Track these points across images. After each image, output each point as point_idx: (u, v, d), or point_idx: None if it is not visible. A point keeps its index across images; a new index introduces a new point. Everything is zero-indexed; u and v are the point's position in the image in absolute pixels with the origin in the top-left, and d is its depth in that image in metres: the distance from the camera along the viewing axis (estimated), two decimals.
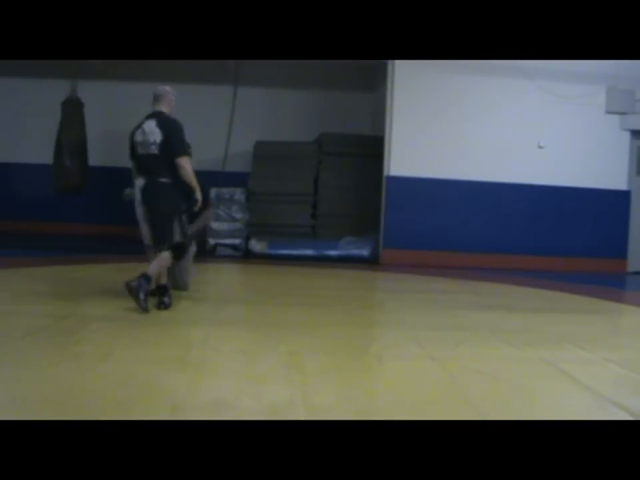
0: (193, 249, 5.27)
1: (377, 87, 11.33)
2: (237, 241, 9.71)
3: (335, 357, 3.54)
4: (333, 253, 9.50)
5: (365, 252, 9.54)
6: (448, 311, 5.32)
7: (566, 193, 9.46)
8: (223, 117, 11.74)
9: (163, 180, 4.70)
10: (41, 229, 11.38)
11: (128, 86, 11.75)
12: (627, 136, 9.61)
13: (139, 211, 4.83)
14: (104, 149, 11.71)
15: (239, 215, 9.78)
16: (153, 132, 4.69)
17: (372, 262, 9.35)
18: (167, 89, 4.94)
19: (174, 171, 4.69)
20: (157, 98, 4.87)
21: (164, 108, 4.86)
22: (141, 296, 4.35)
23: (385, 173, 9.43)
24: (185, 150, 4.74)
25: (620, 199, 9.62)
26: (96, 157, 11.09)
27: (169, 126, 4.73)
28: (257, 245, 9.57)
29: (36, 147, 11.46)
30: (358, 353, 3.68)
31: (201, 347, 3.63)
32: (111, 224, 11.87)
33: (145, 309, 4.34)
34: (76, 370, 2.98)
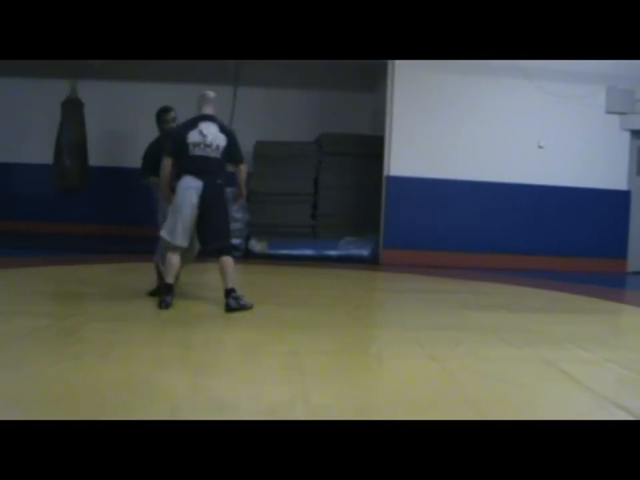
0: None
1: (377, 87, 11.32)
2: (236, 241, 9.69)
3: (335, 356, 3.54)
4: (332, 253, 9.49)
5: (365, 252, 9.53)
6: (448, 311, 5.32)
7: (566, 193, 9.45)
8: (223, 117, 11.70)
9: (219, 182, 4.83)
10: (41, 229, 11.38)
11: (128, 86, 11.76)
12: (627, 136, 9.60)
13: (188, 210, 4.70)
14: (104, 149, 11.71)
15: (239, 215, 9.78)
16: (216, 136, 4.80)
17: (372, 262, 9.35)
18: (214, 94, 5.04)
19: (224, 175, 4.90)
20: (208, 101, 4.95)
21: (214, 112, 4.96)
22: (242, 302, 4.70)
23: (385, 173, 9.43)
24: (243, 156, 5.03)
25: (620, 199, 9.61)
26: (96, 157, 11.09)
27: (231, 132, 4.97)
28: (257, 245, 9.56)
29: (36, 147, 11.46)
30: (358, 353, 3.68)
31: (201, 347, 3.63)
32: (111, 224, 11.89)
33: (251, 306, 4.72)
34: (76, 370, 2.98)
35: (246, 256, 9.53)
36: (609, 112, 9.47)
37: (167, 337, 3.87)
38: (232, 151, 4.86)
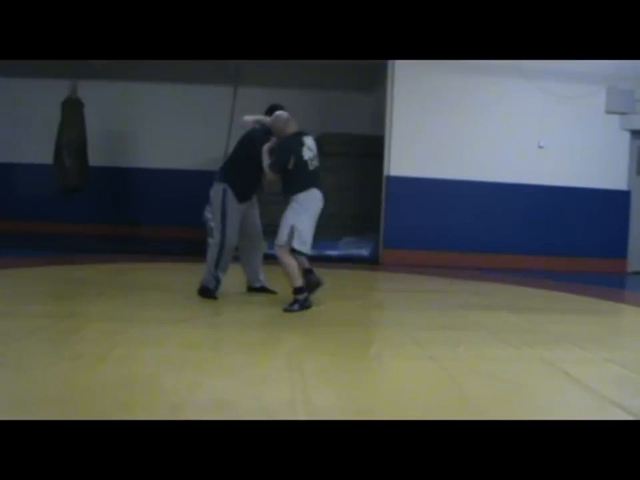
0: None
1: (377, 87, 11.32)
2: None
3: (335, 357, 3.54)
4: (332, 253, 9.48)
5: (365, 252, 9.53)
6: (448, 311, 5.32)
7: (566, 193, 9.45)
8: (222, 117, 11.75)
9: None
10: (41, 229, 11.38)
11: (128, 86, 11.76)
12: (627, 136, 9.60)
13: (312, 220, 5.12)
14: (104, 149, 11.71)
15: None
16: (315, 148, 5.13)
17: (372, 262, 9.35)
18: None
19: None
20: (290, 119, 5.16)
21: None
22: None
23: (385, 173, 9.43)
24: None
25: (620, 199, 9.61)
26: (96, 157, 11.09)
27: (316, 140, 5.23)
28: None
29: (36, 147, 11.46)
30: (358, 353, 3.68)
31: (201, 347, 3.63)
32: (111, 224, 11.89)
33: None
34: (76, 370, 2.98)
35: None
36: (608, 112, 9.47)
37: (167, 337, 3.86)
38: (319, 161, 5.18)
